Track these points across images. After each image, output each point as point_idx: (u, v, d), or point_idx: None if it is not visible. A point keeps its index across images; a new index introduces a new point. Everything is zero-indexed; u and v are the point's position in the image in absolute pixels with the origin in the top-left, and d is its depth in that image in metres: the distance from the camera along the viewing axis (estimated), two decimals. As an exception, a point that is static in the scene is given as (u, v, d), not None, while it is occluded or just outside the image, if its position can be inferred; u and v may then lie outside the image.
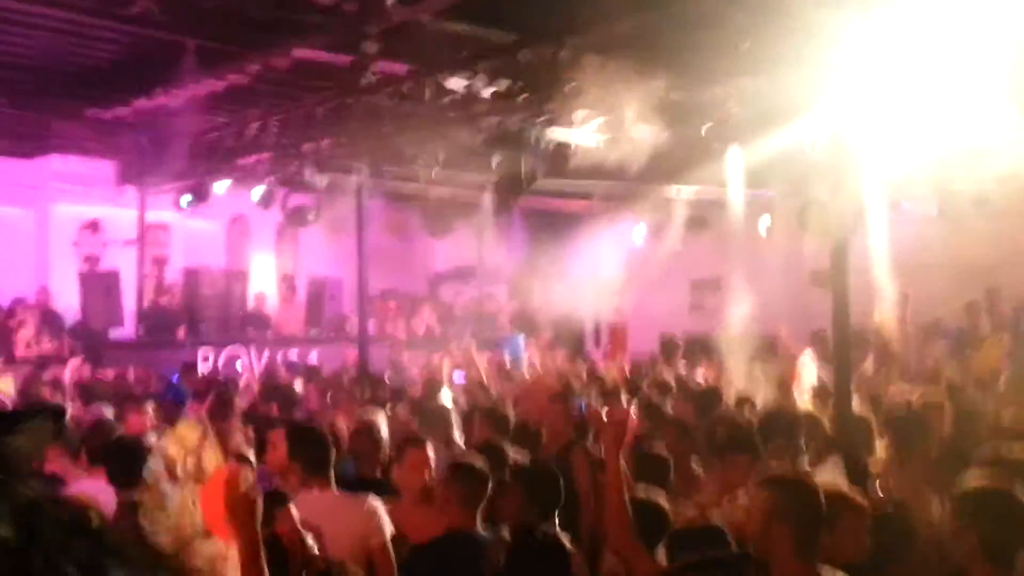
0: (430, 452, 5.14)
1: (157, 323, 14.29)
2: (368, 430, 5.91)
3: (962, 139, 9.36)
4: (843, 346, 7.35)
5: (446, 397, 9.27)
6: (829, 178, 7.85)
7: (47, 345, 12.89)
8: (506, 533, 4.52)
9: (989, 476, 4.04)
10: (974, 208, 10.89)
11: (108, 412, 7.36)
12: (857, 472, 5.69)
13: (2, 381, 8.17)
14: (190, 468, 4.40)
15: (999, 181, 10.16)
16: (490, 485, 4.52)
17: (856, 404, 7.26)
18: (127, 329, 14.13)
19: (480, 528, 4.47)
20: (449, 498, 4.51)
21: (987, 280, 12.78)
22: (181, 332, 14.39)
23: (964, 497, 3.70)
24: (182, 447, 4.49)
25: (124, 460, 4.69)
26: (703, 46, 7.52)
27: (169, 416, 7.61)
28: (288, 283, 17.16)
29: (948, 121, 8.86)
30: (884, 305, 11.69)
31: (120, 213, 14.81)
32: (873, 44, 7.16)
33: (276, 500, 3.71)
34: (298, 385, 10.18)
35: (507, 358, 13.32)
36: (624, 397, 9.16)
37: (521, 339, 15.17)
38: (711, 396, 8.63)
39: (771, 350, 13.61)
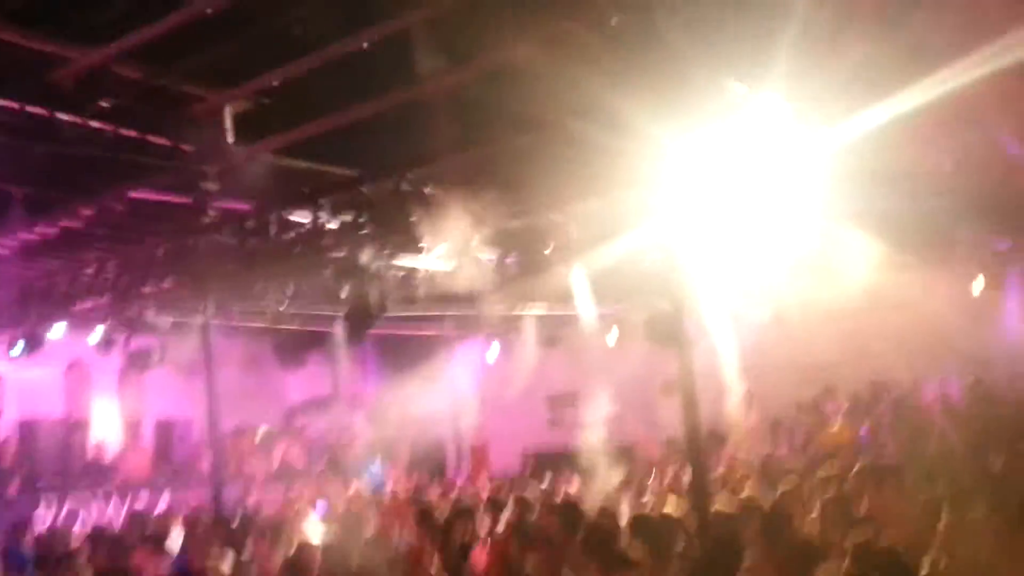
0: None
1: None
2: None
3: (790, 249, 9.97)
4: (696, 448, 7.58)
5: (312, 530, 9.01)
6: (667, 290, 8.18)
7: None
8: None
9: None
10: (805, 315, 11.53)
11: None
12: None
13: None
14: None
15: (830, 286, 10.84)
16: None
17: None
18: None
19: None
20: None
21: (826, 377, 13.47)
22: (14, 489, 13.46)
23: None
24: None
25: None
26: (538, 175, 7.82)
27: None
28: (133, 428, 16.39)
29: (776, 232, 9.45)
30: (732, 404, 12.16)
31: (-54, 365, 13.92)
32: (699, 161, 7.60)
33: None
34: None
35: (366, 485, 13.06)
36: (488, 515, 9.14)
37: (378, 465, 14.86)
38: (573, 508, 8.63)
39: (629, 458, 13.88)
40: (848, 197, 8.56)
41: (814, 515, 6.88)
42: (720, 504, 7.71)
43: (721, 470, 10.66)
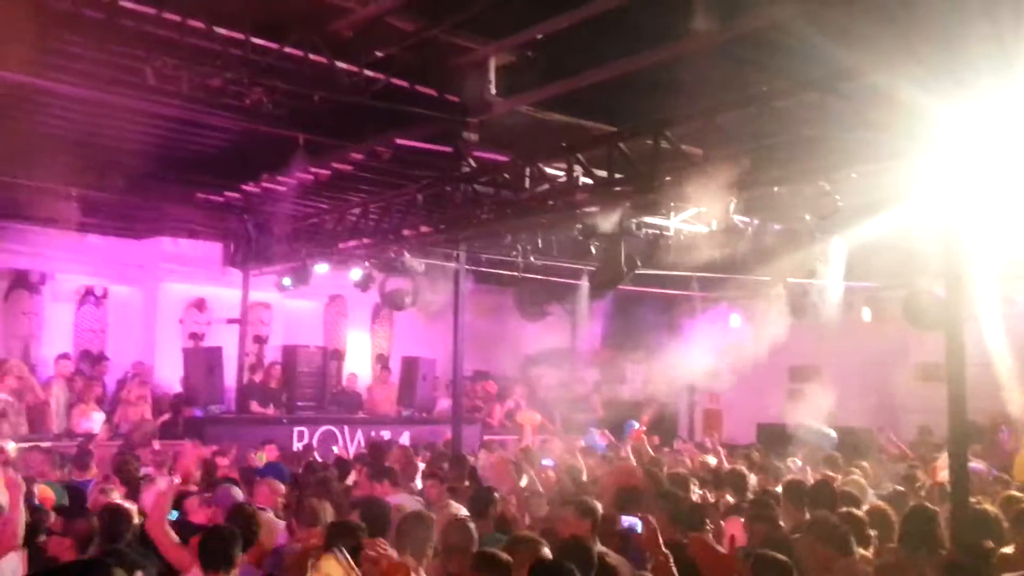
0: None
1: (255, 400, 14.56)
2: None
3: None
4: (960, 441, 7.03)
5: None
6: (939, 269, 7.60)
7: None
8: None
9: None
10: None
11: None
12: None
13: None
14: None
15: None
16: None
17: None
18: (226, 404, 14.46)
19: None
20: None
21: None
22: (278, 409, 14.66)
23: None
24: None
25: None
26: (806, 139, 7.44)
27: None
28: (382, 363, 17.38)
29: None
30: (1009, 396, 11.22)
31: (224, 292, 15.29)
32: (980, 132, 6.98)
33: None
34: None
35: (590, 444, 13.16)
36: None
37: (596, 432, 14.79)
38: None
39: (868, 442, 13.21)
40: None
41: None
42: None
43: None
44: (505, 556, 4.71)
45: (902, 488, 8.92)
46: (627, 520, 6.35)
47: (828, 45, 6.68)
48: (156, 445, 11.63)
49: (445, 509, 7.09)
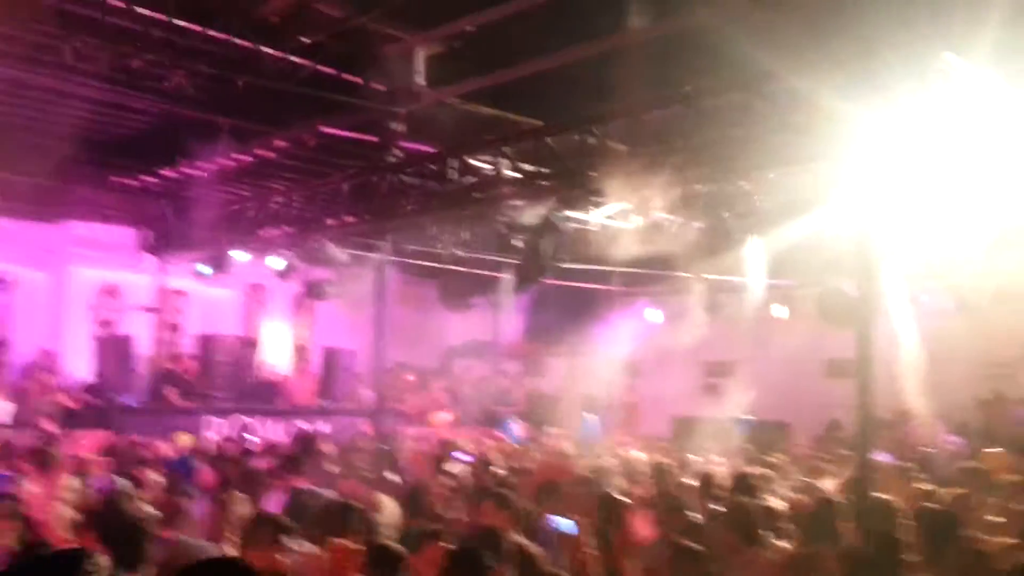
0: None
1: (170, 389, 14.24)
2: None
3: (982, 236, 9.39)
4: (865, 434, 7.30)
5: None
6: (852, 269, 7.85)
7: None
8: None
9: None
10: (993, 304, 10.86)
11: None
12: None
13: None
14: None
15: (1018, 278, 10.17)
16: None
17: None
18: (138, 394, 14.12)
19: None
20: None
21: (1006, 375, 12.73)
22: (191, 399, 14.36)
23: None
24: None
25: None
26: (729, 140, 7.60)
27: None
28: (302, 353, 17.17)
29: (969, 215, 8.90)
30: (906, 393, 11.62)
31: (139, 279, 14.92)
32: (894, 137, 7.22)
33: None
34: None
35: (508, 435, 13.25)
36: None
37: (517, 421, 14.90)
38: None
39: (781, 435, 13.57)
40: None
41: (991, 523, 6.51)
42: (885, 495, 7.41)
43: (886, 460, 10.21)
44: (399, 548, 4.70)
45: (811, 480, 9.19)
46: (554, 520, 6.37)
47: (754, 48, 6.84)
48: (53, 428, 11.33)
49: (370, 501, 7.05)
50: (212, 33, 8.57)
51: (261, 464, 9.32)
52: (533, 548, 5.70)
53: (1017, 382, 12.68)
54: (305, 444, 11.05)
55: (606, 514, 6.67)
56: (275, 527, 5.25)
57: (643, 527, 6.83)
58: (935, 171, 7.71)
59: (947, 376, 11.83)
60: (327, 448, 10.72)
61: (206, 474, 8.92)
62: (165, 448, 10.76)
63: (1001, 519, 6.70)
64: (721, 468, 10.25)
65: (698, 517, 6.95)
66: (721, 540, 5.84)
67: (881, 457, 10.05)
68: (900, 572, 5.37)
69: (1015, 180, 7.93)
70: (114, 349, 13.87)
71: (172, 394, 14.13)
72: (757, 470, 9.61)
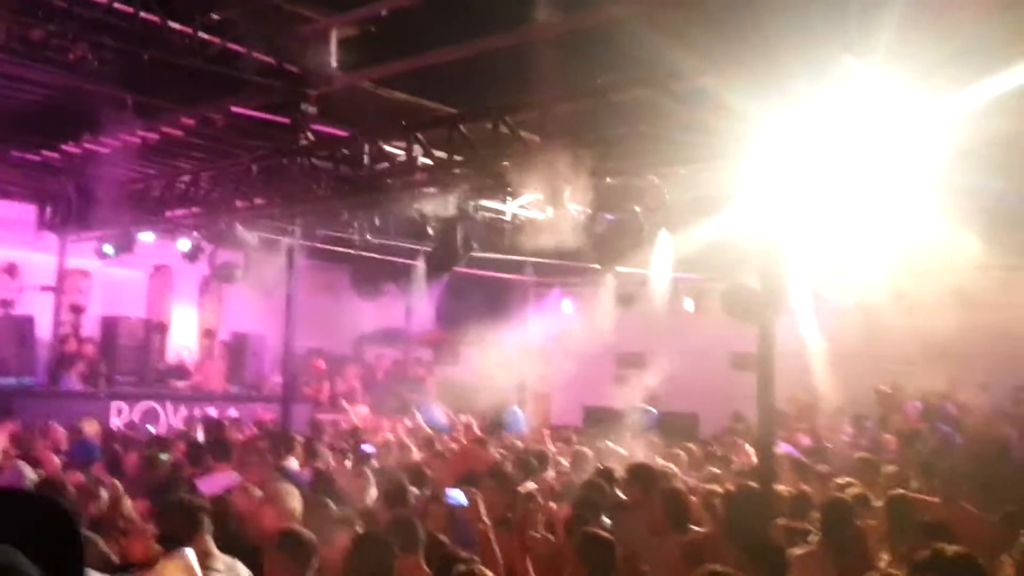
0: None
1: (70, 372, 13.83)
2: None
3: (883, 234, 9.66)
4: (767, 426, 7.47)
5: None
6: (754, 264, 8.01)
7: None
8: None
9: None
10: (891, 302, 11.20)
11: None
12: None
13: None
14: None
15: (916, 277, 10.51)
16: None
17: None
18: (39, 377, 13.68)
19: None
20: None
21: (901, 372, 13.15)
22: (95, 383, 13.97)
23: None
24: None
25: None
26: (638, 136, 7.68)
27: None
28: (210, 337, 16.83)
29: (870, 216, 9.16)
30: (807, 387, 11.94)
31: (39, 258, 14.42)
32: (798, 138, 7.38)
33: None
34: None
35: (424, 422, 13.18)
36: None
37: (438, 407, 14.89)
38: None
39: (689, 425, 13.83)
40: (952, 183, 8.22)
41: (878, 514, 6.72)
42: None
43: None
44: (309, 534, 4.65)
45: (719, 470, 9.40)
46: (451, 496, 6.39)
47: (662, 46, 6.91)
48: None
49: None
50: (117, 6, 8.27)
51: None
52: (442, 536, 5.72)
53: (914, 380, 13.11)
54: (214, 432, 10.88)
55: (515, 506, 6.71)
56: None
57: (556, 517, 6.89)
58: (836, 171, 7.92)
59: (847, 371, 12.20)
60: (234, 435, 10.60)
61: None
62: (64, 434, 10.45)
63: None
64: (626, 456, 10.41)
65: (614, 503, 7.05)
66: (638, 527, 5.96)
67: (783, 448, 10.36)
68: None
69: (911, 180, 8.19)
70: (12, 329, 13.41)
71: (73, 378, 13.74)
72: (660, 462, 9.80)
